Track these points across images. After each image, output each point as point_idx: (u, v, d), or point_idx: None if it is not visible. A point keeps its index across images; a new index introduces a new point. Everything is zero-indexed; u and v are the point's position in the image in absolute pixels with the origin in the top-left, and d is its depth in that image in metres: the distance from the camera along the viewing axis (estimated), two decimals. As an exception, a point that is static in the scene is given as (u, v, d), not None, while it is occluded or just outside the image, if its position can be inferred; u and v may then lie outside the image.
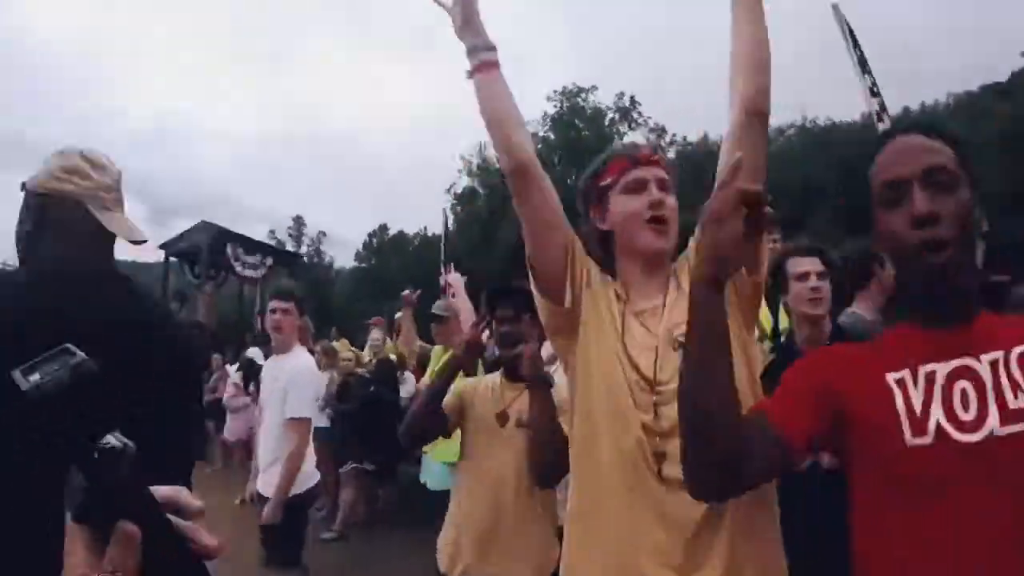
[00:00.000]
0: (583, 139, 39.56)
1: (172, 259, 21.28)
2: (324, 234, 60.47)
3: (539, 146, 42.92)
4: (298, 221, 59.56)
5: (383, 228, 56.58)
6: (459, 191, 47.90)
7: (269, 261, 19.79)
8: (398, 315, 10.01)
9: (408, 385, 7.21)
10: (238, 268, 19.12)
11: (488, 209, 39.12)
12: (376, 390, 7.03)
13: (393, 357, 7.60)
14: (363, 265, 55.65)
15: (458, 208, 47.42)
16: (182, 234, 20.69)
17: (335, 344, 8.56)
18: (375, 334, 8.00)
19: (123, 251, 1.73)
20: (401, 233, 55.60)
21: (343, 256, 64.84)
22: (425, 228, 53.90)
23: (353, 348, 7.86)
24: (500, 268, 27.10)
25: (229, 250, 18.96)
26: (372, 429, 6.75)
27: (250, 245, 19.83)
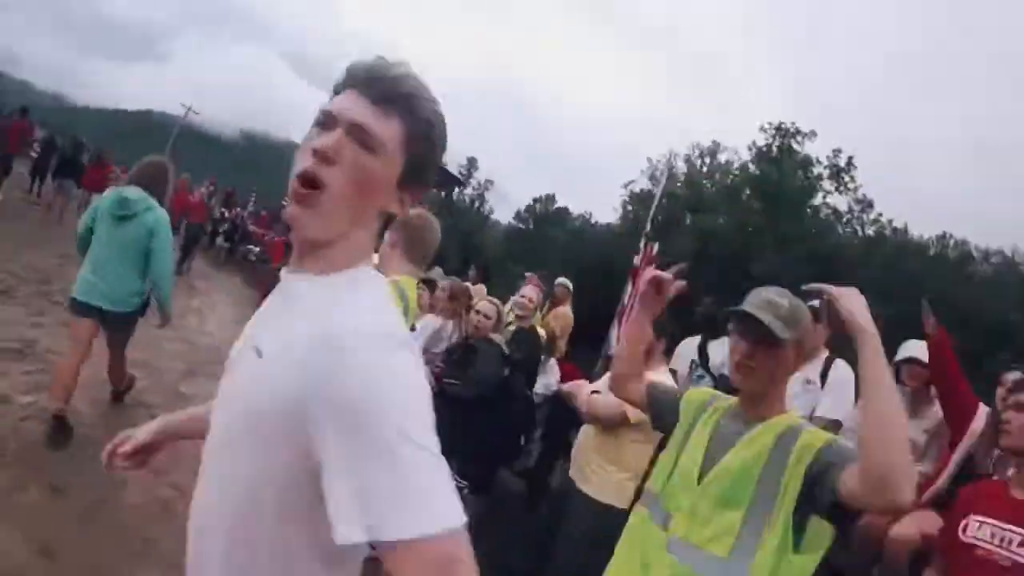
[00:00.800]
0: (784, 181, 36.95)
1: None
2: (491, 183, 60.03)
3: (736, 173, 40.73)
4: (471, 163, 59.37)
5: (550, 197, 55.58)
6: (636, 190, 46.82)
7: None
8: (561, 280, 8.16)
9: (548, 378, 5.34)
10: None
11: (664, 217, 37.51)
12: (511, 375, 4.80)
13: (542, 333, 5.63)
14: (520, 226, 54.85)
15: (630, 207, 46.20)
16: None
17: (471, 287, 6.22)
18: (528, 291, 5.84)
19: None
20: (565, 209, 54.59)
21: (501, 212, 64.25)
22: (590, 214, 52.92)
23: (495, 300, 5.33)
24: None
25: None
26: (483, 426, 4.55)
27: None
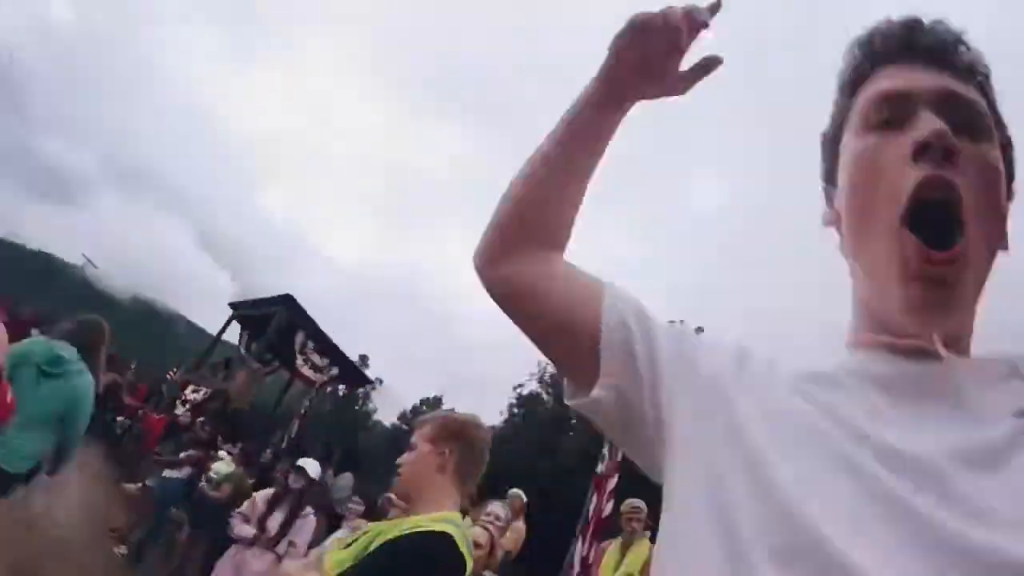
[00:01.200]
0: None
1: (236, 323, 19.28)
2: (380, 382, 58.03)
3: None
4: (363, 360, 57.83)
5: (437, 400, 54.17)
6: (525, 392, 46.74)
7: (335, 371, 17.21)
8: (515, 492, 7.03)
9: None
10: (299, 363, 16.62)
11: (551, 416, 36.98)
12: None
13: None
14: (404, 427, 52.70)
15: (516, 409, 45.78)
16: (258, 300, 18.83)
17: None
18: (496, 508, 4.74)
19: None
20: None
21: (385, 412, 61.73)
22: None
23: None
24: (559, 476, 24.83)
25: (299, 339, 16.61)
26: None
27: (325, 345, 17.34)
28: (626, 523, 5.37)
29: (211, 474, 8.20)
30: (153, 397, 17.72)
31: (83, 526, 7.93)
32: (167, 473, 8.67)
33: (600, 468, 7.02)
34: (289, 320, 16.62)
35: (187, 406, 14.83)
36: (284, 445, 13.94)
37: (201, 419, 13.79)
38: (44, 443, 4.06)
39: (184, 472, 8.56)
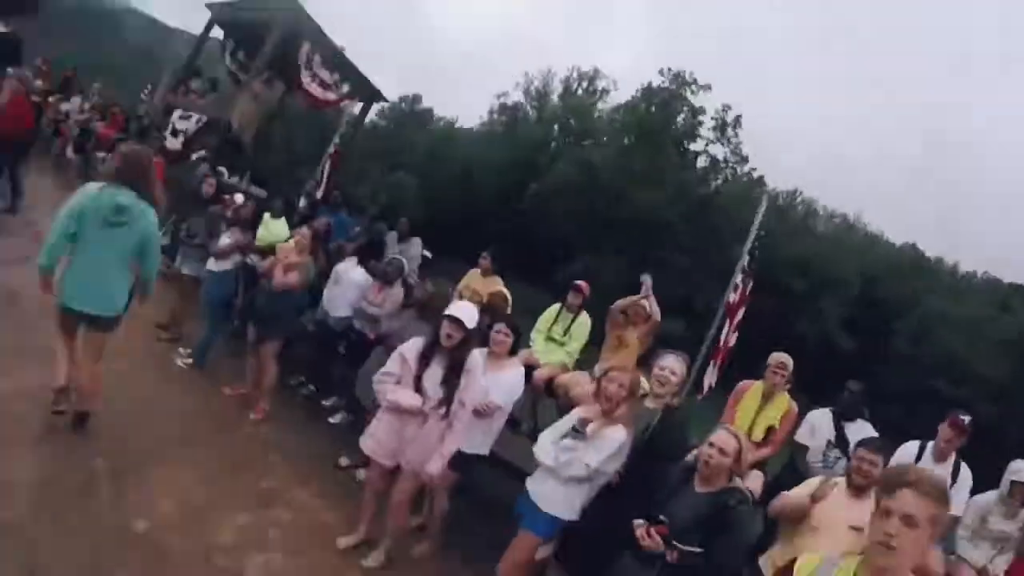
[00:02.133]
0: (670, 123, 37.12)
1: (217, 30, 15.66)
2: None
3: (618, 117, 40.24)
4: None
5: (417, 97, 51.48)
6: (508, 103, 45.75)
7: (345, 88, 13.86)
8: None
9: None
10: (304, 78, 13.09)
11: (534, 135, 36.48)
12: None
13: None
14: (383, 123, 48.96)
15: (495, 115, 45.11)
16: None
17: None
18: (672, 363, 4.59)
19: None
20: (430, 111, 51.09)
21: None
22: (456, 117, 49.89)
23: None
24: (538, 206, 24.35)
25: (305, 50, 13.00)
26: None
27: (335, 58, 13.84)
28: (771, 374, 5.40)
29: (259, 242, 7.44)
30: (131, 124, 14.99)
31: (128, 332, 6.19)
32: (212, 266, 7.17)
33: (732, 296, 6.41)
34: (292, 25, 12.88)
35: (179, 137, 12.57)
36: (320, 194, 12.02)
37: (202, 154, 11.86)
38: (127, 282, 4.67)
39: (232, 263, 7.15)
